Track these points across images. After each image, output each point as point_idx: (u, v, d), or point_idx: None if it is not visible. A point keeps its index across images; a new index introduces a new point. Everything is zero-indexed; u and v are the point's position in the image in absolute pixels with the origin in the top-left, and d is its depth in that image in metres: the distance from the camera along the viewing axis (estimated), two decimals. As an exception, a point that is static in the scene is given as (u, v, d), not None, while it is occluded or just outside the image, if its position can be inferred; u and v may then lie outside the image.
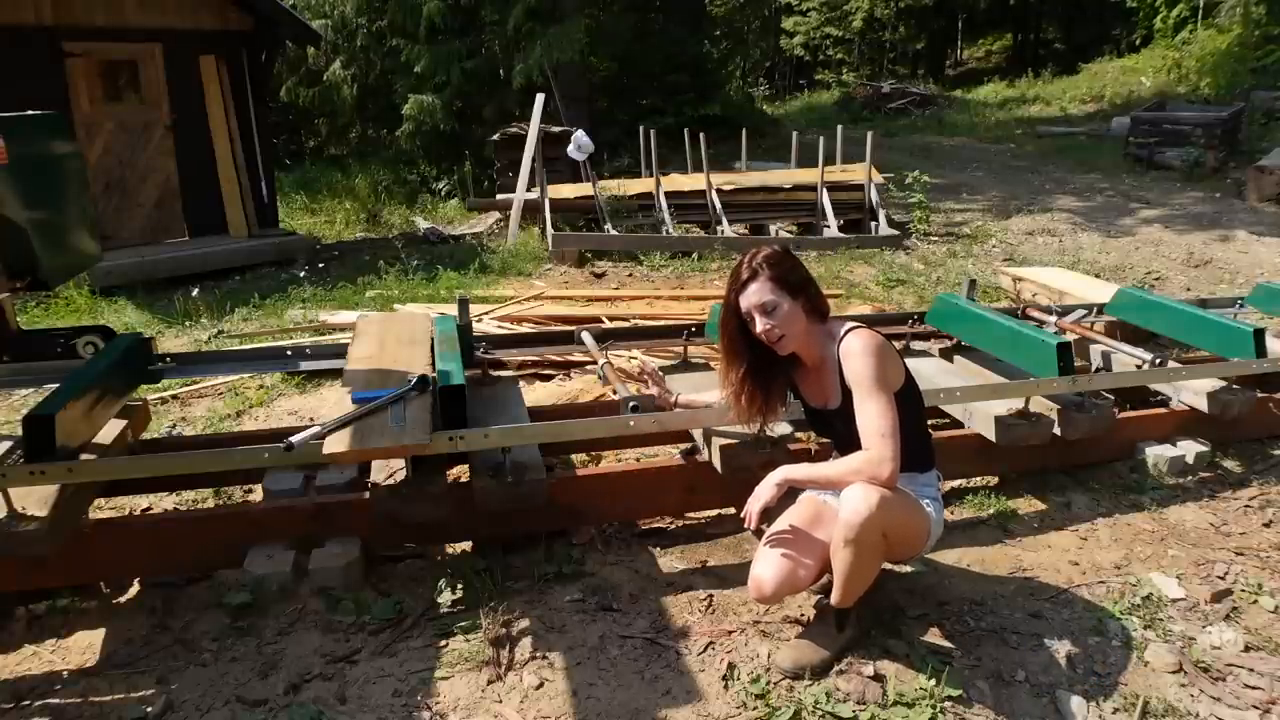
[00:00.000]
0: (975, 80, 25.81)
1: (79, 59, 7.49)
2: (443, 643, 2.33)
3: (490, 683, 2.19)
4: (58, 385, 2.60)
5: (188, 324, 5.87)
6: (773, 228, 9.79)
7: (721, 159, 11.86)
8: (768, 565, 2.21)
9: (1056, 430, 3.07)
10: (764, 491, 2.18)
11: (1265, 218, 9.41)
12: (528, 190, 9.29)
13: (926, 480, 2.32)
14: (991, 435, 3.00)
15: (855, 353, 2.14)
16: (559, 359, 4.47)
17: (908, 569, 2.68)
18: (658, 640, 2.34)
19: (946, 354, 3.75)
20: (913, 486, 2.26)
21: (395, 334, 3.12)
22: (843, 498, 2.09)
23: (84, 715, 2.10)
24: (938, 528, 2.29)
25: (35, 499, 2.31)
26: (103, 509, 3.11)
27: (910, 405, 2.26)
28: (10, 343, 3.57)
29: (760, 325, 2.18)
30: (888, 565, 2.36)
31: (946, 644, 2.33)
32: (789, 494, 2.32)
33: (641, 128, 11.25)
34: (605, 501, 2.90)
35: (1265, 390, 3.58)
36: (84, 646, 2.36)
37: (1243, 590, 2.59)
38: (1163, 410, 3.54)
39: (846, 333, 2.19)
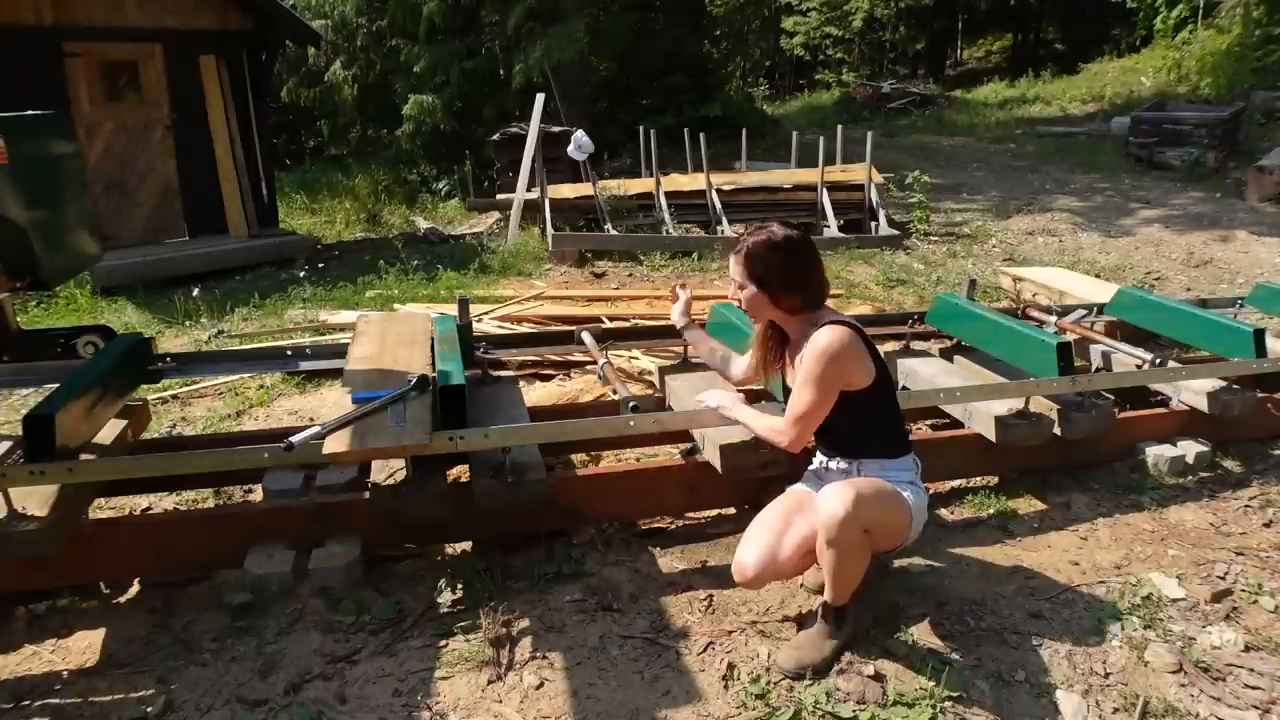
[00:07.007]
0: (975, 80, 25.80)
1: (79, 59, 7.49)
2: (443, 643, 2.33)
3: (490, 683, 2.19)
4: (58, 385, 2.60)
5: (188, 324, 5.87)
6: (773, 228, 9.78)
7: (721, 159, 11.85)
8: (750, 549, 2.25)
9: (1057, 430, 3.07)
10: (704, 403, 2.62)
11: (1265, 218, 9.41)
12: (528, 190, 9.29)
13: (901, 466, 2.34)
14: (991, 435, 3.00)
15: (812, 349, 2.22)
16: (559, 359, 4.47)
17: (906, 564, 2.68)
18: (658, 640, 2.34)
19: (946, 354, 3.75)
20: (885, 473, 2.30)
21: (395, 334, 3.12)
22: (819, 499, 2.14)
23: (84, 715, 2.10)
24: (920, 513, 2.31)
25: (35, 499, 2.31)
26: (103, 509, 3.11)
27: (880, 399, 2.33)
28: (10, 343, 3.57)
29: (731, 292, 2.37)
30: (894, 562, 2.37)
31: (946, 644, 2.33)
32: (776, 485, 2.50)
33: (641, 128, 11.26)
34: (605, 501, 2.89)
35: (1265, 390, 3.58)
36: (84, 646, 2.36)
37: (1243, 590, 2.59)
38: (1163, 410, 3.54)
39: (824, 324, 2.25)
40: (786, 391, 2.43)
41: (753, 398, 2.83)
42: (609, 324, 4.98)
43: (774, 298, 2.28)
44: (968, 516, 3.05)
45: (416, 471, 2.52)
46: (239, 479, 3.11)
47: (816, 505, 2.15)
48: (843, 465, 2.38)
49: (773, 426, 2.35)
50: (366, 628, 2.39)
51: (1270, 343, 3.48)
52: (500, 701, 2.13)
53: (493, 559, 2.72)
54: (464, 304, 3.37)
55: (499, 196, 10.55)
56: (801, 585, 2.55)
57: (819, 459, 2.48)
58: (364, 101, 16.57)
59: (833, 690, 2.12)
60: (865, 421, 2.32)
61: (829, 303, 2.38)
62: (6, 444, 2.58)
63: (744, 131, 12.15)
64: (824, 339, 2.20)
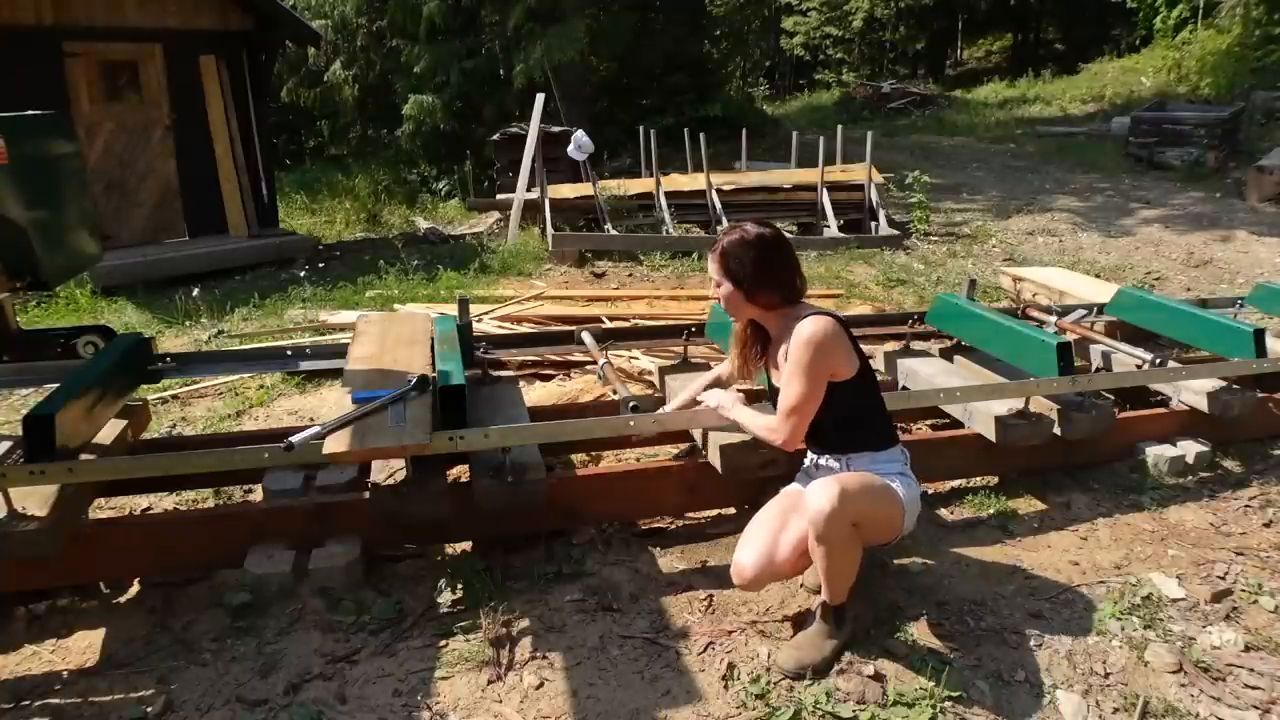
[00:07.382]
0: (975, 80, 25.80)
1: (79, 59, 7.48)
2: (443, 643, 2.33)
3: (490, 683, 2.19)
4: (58, 385, 2.60)
5: (188, 324, 5.87)
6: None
7: (721, 159, 11.86)
8: (747, 551, 2.25)
9: (1057, 430, 3.07)
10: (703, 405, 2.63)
11: (1265, 218, 9.42)
12: (528, 190, 9.29)
13: (888, 458, 2.35)
14: (991, 435, 3.00)
15: (797, 340, 2.23)
16: (559, 359, 4.47)
17: (906, 564, 2.68)
18: (658, 640, 2.34)
19: (946, 354, 3.74)
20: (874, 466, 2.31)
21: (395, 334, 3.12)
22: (806, 496, 2.15)
23: (84, 715, 2.10)
24: (913, 504, 2.31)
25: (35, 499, 2.31)
26: (103, 509, 3.11)
27: (864, 390, 2.34)
28: (10, 343, 3.58)
29: (711, 291, 2.41)
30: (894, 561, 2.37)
31: (946, 644, 2.33)
32: (776, 486, 2.50)
33: (641, 128, 11.26)
34: (605, 501, 2.89)
35: (1265, 390, 3.58)
36: (84, 646, 2.36)
37: (1243, 590, 2.59)
38: (1163, 410, 3.54)
39: (804, 317, 2.26)
40: (773, 390, 2.43)
41: (752, 397, 2.83)
42: (609, 324, 4.98)
43: (750, 295, 2.30)
44: (968, 516, 3.05)
45: (416, 471, 2.52)
46: (239, 479, 3.11)
47: (804, 503, 2.15)
48: (833, 463, 2.38)
49: (767, 425, 2.35)
50: (366, 628, 2.39)
51: (1270, 343, 3.48)
52: (500, 701, 2.13)
53: (493, 559, 2.72)
54: (464, 304, 3.37)
55: (499, 196, 10.55)
56: (801, 585, 2.55)
57: (810, 457, 2.49)
58: (364, 101, 16.57)
59: (833, 690, 2.12)
60: (852, 415, 2.33)
61: (830, 304, 2.38)
62: (6, 444, 2.59)
63: (744, 131, 12.16)
64: (807, 329, 2.22)
